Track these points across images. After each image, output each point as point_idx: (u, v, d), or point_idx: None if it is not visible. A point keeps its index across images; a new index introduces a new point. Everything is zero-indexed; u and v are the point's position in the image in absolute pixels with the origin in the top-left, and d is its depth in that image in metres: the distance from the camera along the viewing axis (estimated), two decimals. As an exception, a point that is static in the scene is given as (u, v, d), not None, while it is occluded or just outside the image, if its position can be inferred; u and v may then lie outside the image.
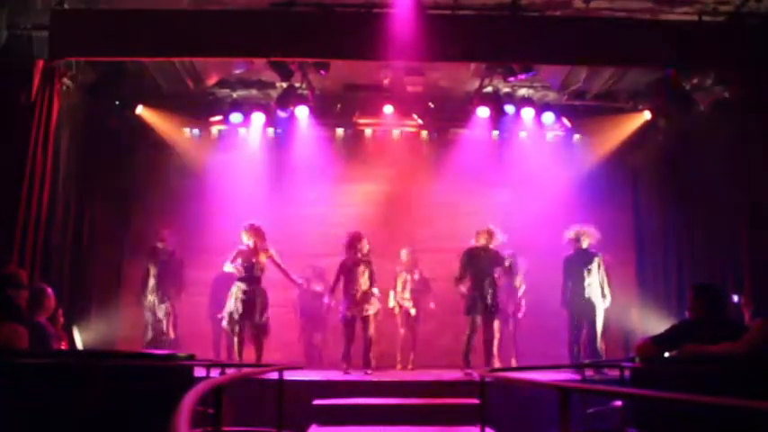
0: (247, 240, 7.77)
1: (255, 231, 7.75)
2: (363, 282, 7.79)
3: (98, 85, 8.38)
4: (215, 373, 5.44)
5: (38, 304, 5.26)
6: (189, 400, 2.05)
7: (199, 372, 5.00)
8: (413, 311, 8.82)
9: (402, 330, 8.90)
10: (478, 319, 7.65)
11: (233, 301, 7.61)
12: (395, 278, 8.90)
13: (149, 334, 8.23)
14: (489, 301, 7.70)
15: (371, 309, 7.77)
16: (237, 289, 7.65)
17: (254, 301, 7.55)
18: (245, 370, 5.65)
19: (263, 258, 7.70)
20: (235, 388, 5.15)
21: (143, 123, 9.67)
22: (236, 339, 7.60)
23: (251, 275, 7.64)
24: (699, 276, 7.99)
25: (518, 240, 9.08)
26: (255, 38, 7.12)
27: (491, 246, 7.90)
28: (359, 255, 7.83)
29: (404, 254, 8.92)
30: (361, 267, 7.81)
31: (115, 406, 3.55)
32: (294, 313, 9.29)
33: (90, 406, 3.50)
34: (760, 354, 3.82)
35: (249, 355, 7.76)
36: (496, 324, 8.09)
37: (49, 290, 5.46)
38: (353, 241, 7.85)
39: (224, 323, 7.74)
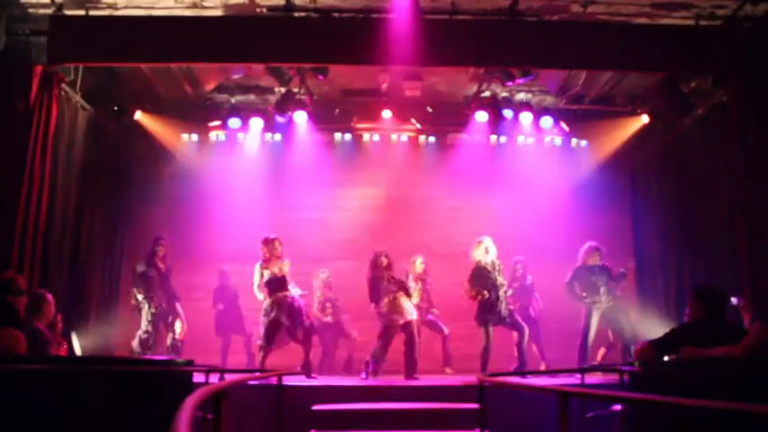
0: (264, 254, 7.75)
1: (265, 244, 7.74)
2: (393, 294, 7.76)
3: (96, 91, 8.39)
4: (214, 378, 5.43)
5: (37, 310, 5.26)
6: (188, 405, 2.05)
7: (198, 377, 4.99)
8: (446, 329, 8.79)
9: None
10: (491, 329, 7.65)
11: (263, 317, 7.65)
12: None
13: (141, 340, 8.18)
14: (503, 311, 7.69)
15: (402, 318, 7.70)
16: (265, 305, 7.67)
17: (281, 312, 7.55)
18: (245, 375, 5.65)
19: (275, 269, 7.66)
20: (234, 393, 5.14)
21: (141, 129, 9.67)
22: (261, 354, 7.57)
23: (273, 288, 7.64)
24: (698, 279, 7.98)
25: (517, 244, 9.11)
26: (254, 43, 7.12)
27: (491, 259, 7.85)
28: (382, 270, 7.79)
29: (418, 263, 8.86)
30: (387, 281, 7.78)
31: (114, 412, 3.54)
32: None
33: (88, 412, 3.49)
34: (759, 357, 3.83)
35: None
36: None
37: (50, 296, 5.45)
38: (374, 258, 7.82)
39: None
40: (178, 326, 8.37)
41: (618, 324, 7.97)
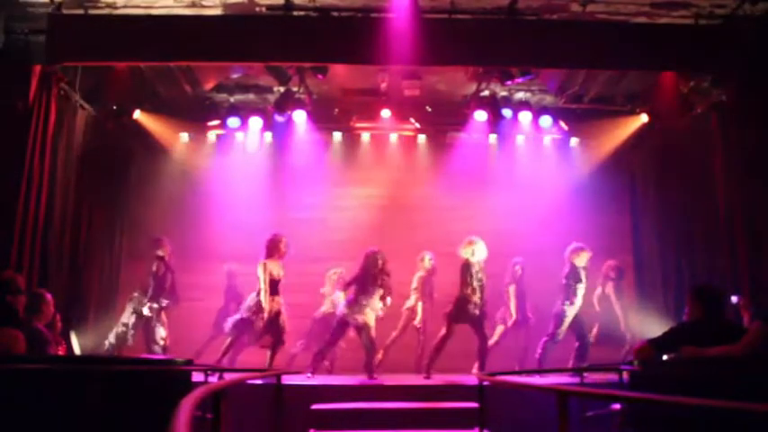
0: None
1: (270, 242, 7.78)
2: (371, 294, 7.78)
3: (95, 90, 8.38)
4: (213, 377, 5.43)
5: (37, 310, 5.25)
6: (187, 405, 2.04)
7: (197, 377, 4.99)
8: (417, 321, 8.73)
9: (422, 337, 8.75)
10: (454, 327, 7.67)
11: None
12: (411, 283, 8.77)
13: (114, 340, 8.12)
14: (477, 309, 7.71)
15: (362, 318, 7.68)
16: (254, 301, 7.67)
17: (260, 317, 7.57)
18: (244, 375, 5.64)
19: (274, 271, 7.69)
20: (233, 393, 5.13)
21: (141, 128, 9.65)
22: (230, 351, 7.61)
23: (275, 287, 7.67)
24: (697, 278, 7.99)
25: (515, 244, 9.10)
26: (253, 43, 7.12)
27: (476, 258, 7.86)
28: (370, 270, 7.81)
29: (426, 259, 8.80)
30: (372, 282, 7.78)
31: (113, 411, 3.54)
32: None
33: (88, 411, 3.49)
34: (758, 356, 3.82)
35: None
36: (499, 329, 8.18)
37: (49, 295, 5.45)
38: (371, 255, 7.83)
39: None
40: (162, 331, 8.22)
41: (581, 329, 7.98)
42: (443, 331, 7.65)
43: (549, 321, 8.28)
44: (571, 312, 7.91)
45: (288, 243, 7.73)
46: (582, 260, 8.03)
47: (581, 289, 7.94)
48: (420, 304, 8.72)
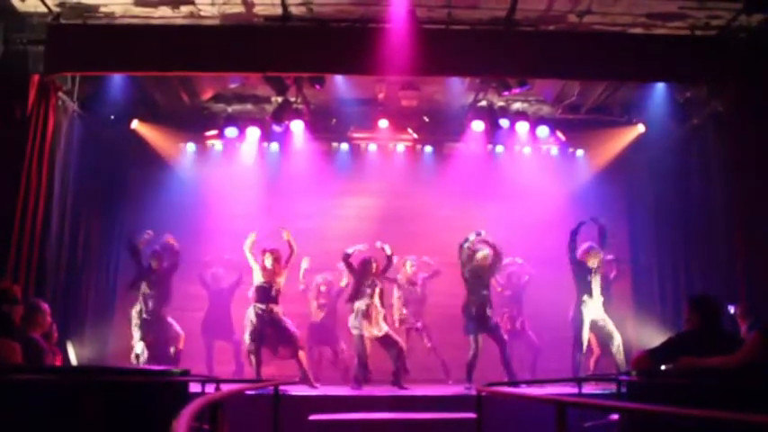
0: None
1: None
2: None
3: (92, 100, 8.40)
4: (210, 388, 5.42)
5: (33, 320, 5.22)
6: (185, 416, 2.04)
7: (194, 387, 4.97)
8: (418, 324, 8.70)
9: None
10: (480, 338, 7.65)
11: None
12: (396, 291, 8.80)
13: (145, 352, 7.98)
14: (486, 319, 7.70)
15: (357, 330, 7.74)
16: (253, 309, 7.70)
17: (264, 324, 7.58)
18: (241, 385, 5.62)
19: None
20: (231, 404, 5.11)
21: (138, 138, 9.67)
22: (254, 362, 7.56)
23: (258, 297, 7.69)
24: (695, 288, 7.99)
25: (513, 253, 9.11)
26: (251, 53, 7.15)
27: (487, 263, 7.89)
28: (365, 276, 7.88)
29: (408, 265, 8.84)
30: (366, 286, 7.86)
31: (110, 422, 3.52)
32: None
33: (84, 422, 3.48)
34: (756, 366, 3.82)
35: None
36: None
37: (45, 306, 5.42)
38: (366, 260, 7.93)
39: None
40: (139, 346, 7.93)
41: (601, 334, 7.89)
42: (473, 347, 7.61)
43: (547, 330, 8.29)
44: (587, 316, 7.77)
45: (273, 257, 7.80)
46: (593, 261, 7.93)
47: (591, 292, 7.82)
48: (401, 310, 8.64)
